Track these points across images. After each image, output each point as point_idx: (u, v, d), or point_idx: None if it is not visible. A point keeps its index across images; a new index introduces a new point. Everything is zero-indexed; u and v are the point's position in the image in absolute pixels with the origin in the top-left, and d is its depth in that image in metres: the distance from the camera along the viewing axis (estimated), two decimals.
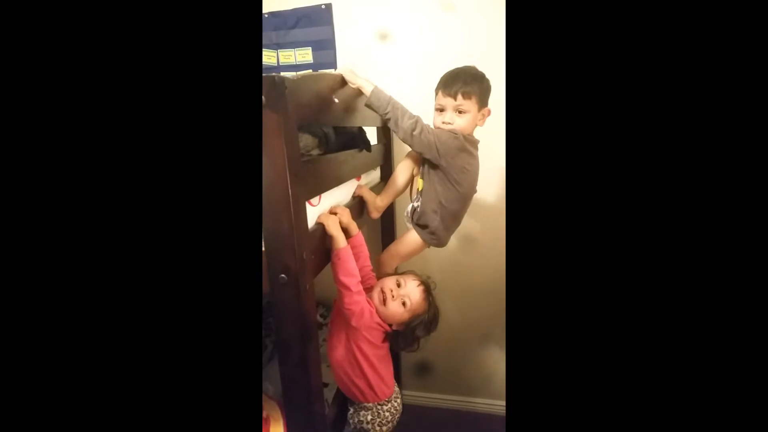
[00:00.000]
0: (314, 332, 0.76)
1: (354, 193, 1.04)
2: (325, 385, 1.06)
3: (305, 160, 0.78)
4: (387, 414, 1.02)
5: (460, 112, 0.94)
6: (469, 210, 1.03)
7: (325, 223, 0.82)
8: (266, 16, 1.39)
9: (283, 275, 0.68)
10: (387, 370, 1.02)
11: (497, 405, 1.57)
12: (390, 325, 0.96)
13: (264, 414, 0.95)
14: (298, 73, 1.15)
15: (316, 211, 0.82)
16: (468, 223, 1.42)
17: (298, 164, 0.66)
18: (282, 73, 0.61)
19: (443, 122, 0.95)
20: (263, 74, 0.58)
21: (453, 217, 1.00)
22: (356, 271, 0.87)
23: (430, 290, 1.00)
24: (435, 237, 1.01)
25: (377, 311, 0.93)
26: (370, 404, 1.01)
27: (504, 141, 1.04)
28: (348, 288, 0.86)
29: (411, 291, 0.96)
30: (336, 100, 0.84)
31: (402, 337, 0.97)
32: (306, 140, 0.79)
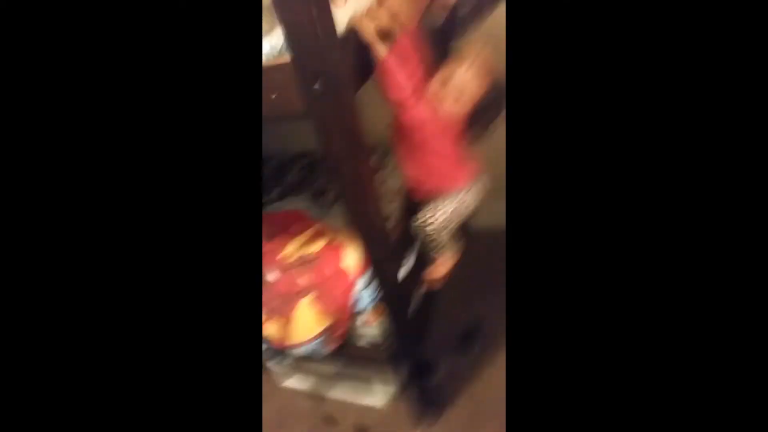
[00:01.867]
0: (364, 146, 0.72)
1: None
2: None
3: None
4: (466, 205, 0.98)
5: None
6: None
7: (359, 27, 0.71)
8: None
9: (316, 86, 0.61)
10: (462, 165, 0.95)
11: None
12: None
13: (336, 242, 1.00)
14: None
15: (343, 13, 0.69)
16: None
17: None
18: None
19: None
20: None
21: None
22: (406, 83, 0.78)
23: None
24: None
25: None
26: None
27: (504, 141, 0.78)
28: (400, 104, 0.78)
29: (460, 81, 0.83)
30: None
31: (476, 124, 0.89)
32: None
